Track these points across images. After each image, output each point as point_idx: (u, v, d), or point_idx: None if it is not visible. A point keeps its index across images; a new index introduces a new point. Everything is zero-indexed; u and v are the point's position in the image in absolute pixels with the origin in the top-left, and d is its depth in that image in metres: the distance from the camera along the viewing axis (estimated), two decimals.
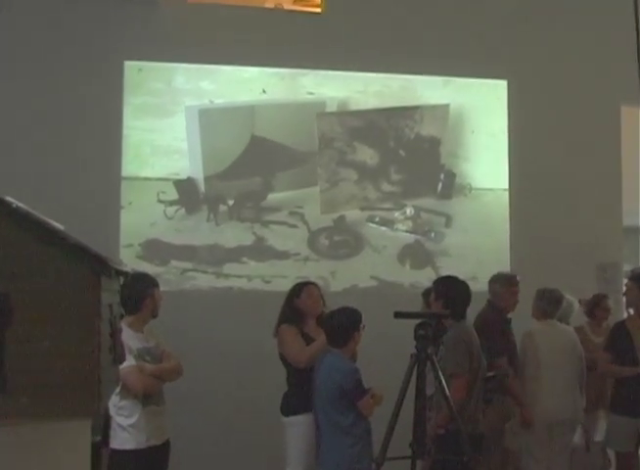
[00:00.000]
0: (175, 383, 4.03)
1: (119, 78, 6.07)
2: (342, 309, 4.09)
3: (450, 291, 4.25)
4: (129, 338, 3.57)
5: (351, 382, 3.91)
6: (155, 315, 4.03)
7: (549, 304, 5.14)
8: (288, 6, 6.44)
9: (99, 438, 2.08)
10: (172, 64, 6.20)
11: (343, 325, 4.00)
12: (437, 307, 4.23)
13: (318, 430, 4.02)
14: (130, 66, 6.13)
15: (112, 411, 3.76)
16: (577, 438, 5.23)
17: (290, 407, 4.33)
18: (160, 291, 4.08)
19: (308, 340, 4.34)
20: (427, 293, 4.81)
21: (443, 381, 3.72)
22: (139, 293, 3.88)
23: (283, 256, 6.28)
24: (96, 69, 5.93)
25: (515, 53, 6.59)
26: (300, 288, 4.51)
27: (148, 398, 3.85)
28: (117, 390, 3.54)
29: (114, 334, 1.95)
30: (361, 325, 4.07)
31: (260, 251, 6.25)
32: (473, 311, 4.33)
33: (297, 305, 4.44)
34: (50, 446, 1.77)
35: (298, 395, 4.23)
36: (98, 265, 1.71)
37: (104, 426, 3.80)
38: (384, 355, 5.44)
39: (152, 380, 3.85)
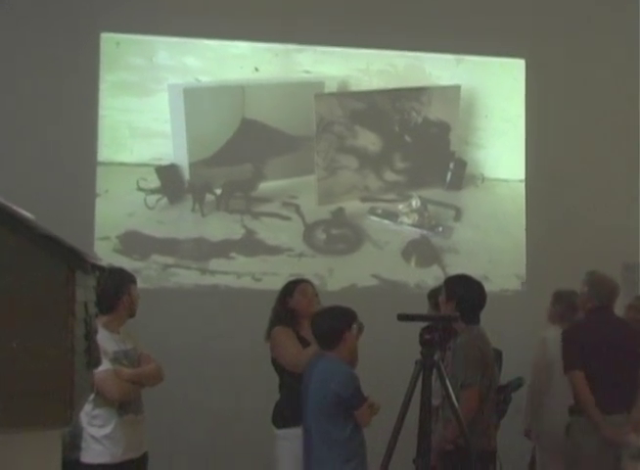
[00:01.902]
0: (155, 389, 4.03)
1: (95, 53, 6.06)
2: (330, 309, 4.09)
3: (463, 291, 4.24)
4: (104, 340, 3.56)
5: (350, 389, 3.91)
6: (132, 315, 4.02)
7: (566, 307, 5.15)
8: None
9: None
10: (154, 37, 6.20)
11: (332, 326, 4.00)
12: (449, 310, 4.22)
13: (307, 444, 4.01)
14: (107, 38, 6.11)
15: (83, 421, 3.76)
16: None
17: (282, 419, 4.33)
18: (139, 288, 4.08)
19: (304, 343, 4.34)
20: (432, 294, 4.82)
21: (451, 390, 3.72)
22: (115, 290, 3.88)
23: (275, 251, 6.28)
24: (68, 41, 5.92)
25: (534, 29, 6.59)
26: (293, 286, 4.51)
27: (124, 405, 3.85)
28: (91, 397, 3.53)
29: (90, 335, 1.94)
30: (354, 325, 4.06)
31: (250, 245, 6.25)
32: (485, 315, 4.32)
33: (291, 306, 4.44)
34: (15, 461, 1.75)
35: (292, 405, 4.22)
36: (73, 259, 1.70)
37: (75, 438, 3.83)
38: (386, 362, 5.46)
39: (129, 386, 3.85)
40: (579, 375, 4.39)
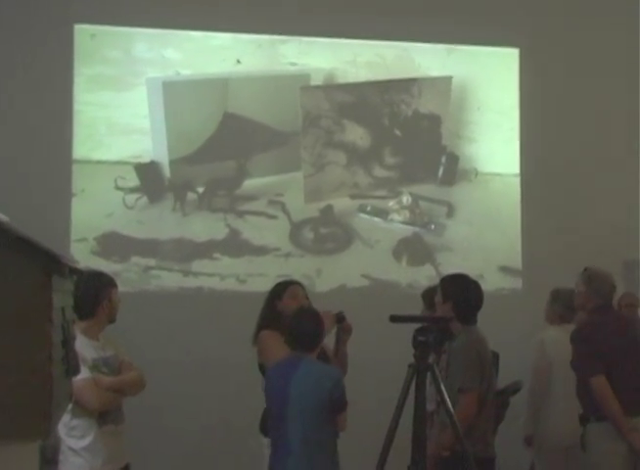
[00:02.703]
0: (136, 398, 4.01)
1: (69, 45, 6.04)
2: (309, 311, 4.10)
3: (461, 292, 4.25)
4: (83, 346, 3.55)
5: (340, 390, 3.93)
6: (112, 320, 4.00)
7: (565, 306, 5.15)
8: None
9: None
10: (131, 28, 6.18)
11: (315, 328, 4.01)
12: (445, 311, 4.22)
13: (283, 450, 3.96)
14: (82, 30, 6.09)
15: (61, 432, 3.73)
16: None
17: None
18: (119, 292, 4.06)
19: None
20: (427, 293, 4.82)
21: (446, 395, 3.72)
22: (94, 294, 3.85)
23: (261, 251, 6.27)
24: (41, 33, 5.89)
25: (528, 16, 6.60)
26: (282, 288, 4.50)
27: (104, 415, 3.83)
28: (69, 407, 3.51)
29: (67, 342, 1.93)
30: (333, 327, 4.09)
31: (235, 245, 6.24)
32: (480, 315, 4.32)
33: (279, 309, 4.44)
34: None
35: None
36: (49, 262, 1.69)
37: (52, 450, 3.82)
38: (377, 366, 5.46)
39: (109, 395, 3.83)
40: (603, 380, 4.27)
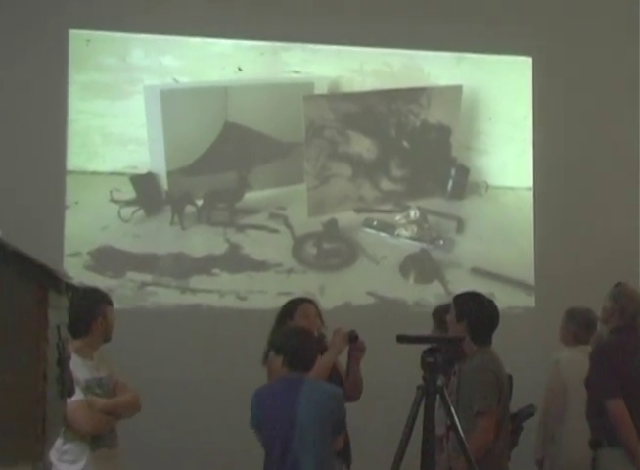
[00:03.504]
0: (131, 421, 4.01)
1: (63, 51, 6.05)
2: (302, 330, 4.10)
3: (475, 310, 4.24)
4: (76, 366, 3.53)
5: (344, 409, 3.94)
6: (107, 339, 4.01)
7: (580, 326, 5.15)
8: None
9: None
10: (128, 34, 6.19)
11: (312, 347, 4.00)
12: (459, 331, 4.21)
13: None
14: (76, 35, 6.11)
15: (52, 457, 3.72)
16: None
17: None
18: (114, 309, 4.06)
19: None
20: (438, 312, 4.81)
21: (456, 419, 3.71)
22: (88, 312, 3.86)
23: (261, 267, 6.27)
24: (34, 39, 5.91)
25: (542, 23, 6.61)
26: (294, 307, 4.47)
27: (98, 439, 3.83)
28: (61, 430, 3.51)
29: (62, 362, 1.93)
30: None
31: (235, 261, 6.24)
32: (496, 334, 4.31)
33: None
34: None
35: None
36: (45, 278, 1.70)
37: None
38: (384, 388, 5.44)
39: (103, 417, 3.83)
40: (620, 404, 4.25)
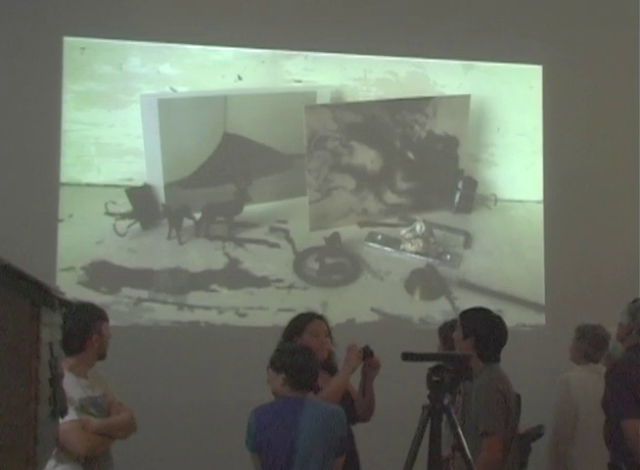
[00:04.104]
0: (126, 442, 4.00)
1: (57, 59, 6.07)
2: (303, 347, 4.08)
3: (482, 327, 4.23)
4: (70, 385, 3.53)
5: (346, 430, 3.91)
6: (102, 357, 4.00)
7: (590, 344, 5.14)
8: None
9: None
10: (124, 41, 6.21)
11: (315, 365, 3.97)
12: (466, 348, 4.20)
13: None
14: (71, 43, 6.13)
15: None
16: None
17: None
18: (110, 326, 4.06)
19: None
20: (444, 328, 4.81)
21: (463, 439, 3.70)
22: (83, 328, 3.85)
23: (262, 282, 6.27)
24: (27, 46, 5.93)
25: (552, 31, 6.63)
26: (303, 324, 4.40)
27: (91, 461, 3.82)
28: (54, 451, 3.50)
29: (55, 381, 1.93)
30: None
31: (234, 276, 6.24)
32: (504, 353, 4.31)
33: None
34: None
35: None
36: (37, 294, 1.70)
37: None
38: (389, 407, 5.40)
39: (96, 438, 3.81)
40: (637, 424, 4.16)
